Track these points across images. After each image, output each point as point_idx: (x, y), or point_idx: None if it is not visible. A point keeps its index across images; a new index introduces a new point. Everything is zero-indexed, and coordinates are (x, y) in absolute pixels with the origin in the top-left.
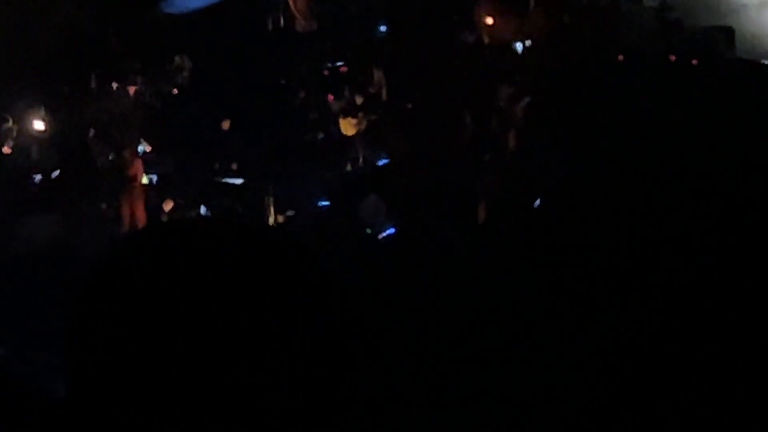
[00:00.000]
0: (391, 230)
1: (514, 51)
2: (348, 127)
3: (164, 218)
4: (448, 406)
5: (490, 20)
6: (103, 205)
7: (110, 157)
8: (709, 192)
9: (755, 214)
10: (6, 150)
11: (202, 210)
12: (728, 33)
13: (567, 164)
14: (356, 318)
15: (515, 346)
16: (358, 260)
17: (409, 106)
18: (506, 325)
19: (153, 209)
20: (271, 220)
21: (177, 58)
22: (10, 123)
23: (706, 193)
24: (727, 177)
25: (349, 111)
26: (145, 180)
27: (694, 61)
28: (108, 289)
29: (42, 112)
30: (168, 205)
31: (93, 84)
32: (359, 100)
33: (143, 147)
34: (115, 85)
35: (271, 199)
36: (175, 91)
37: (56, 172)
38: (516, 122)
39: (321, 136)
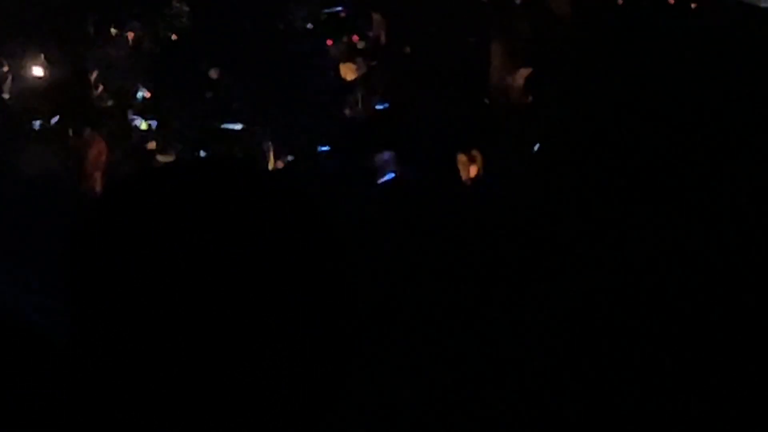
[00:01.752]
0: (391, 175)
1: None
2: (348, 71)
3: (162, 163)
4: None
5: None
6: (103, 149)
7: (109, 103)
8: (707, 137)
9: (753, 162)
10: (5, 95)
11: (202, 155)
12: None
13: (566, 108)
14: (357, 263)
15: (512, 296)
16: (359, 205)
17: (408, 50)
18: (503, 274)
19: (152, 154)
20: (270, 165)
21: (175, 4)
22: (8, 68)
23: (704, 138)
24: (726, 121)
25: (349, 56)
26: (144, 125)
27: (693, 5)
28: (107, 229)
29: (41, 58)
30: (167, 150)
31: (92, 30)
32: (359, 45)
33: (142, 93)
34: (114, 31)
35: (271, 144)
36: (174, 36)
37: (55, 118)
38: (514, 66)
39: (320, 81)
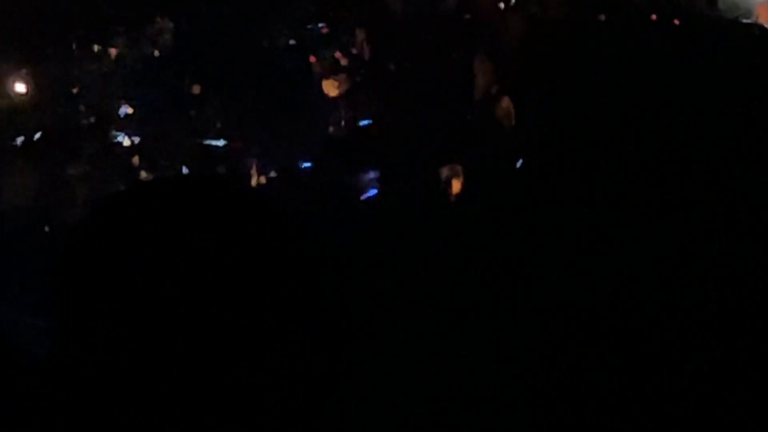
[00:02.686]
0: (374, 191)
1: (497, 10)
2: (331, 88)
3: (146, 179)
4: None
5: None
6: (87, 167)
7: (92, 120)
8: (691, 152)
9: (736, 174)
10: None
11: (185, 171)
12: None
13: (549, 124)
14: (341, 277)
15: (496, 311)
16: (342, 221)
17: (392, 67)
18: (487, 290)
19: (135, 170)
20: (253, 181)
21: (158, 20)
22: None
23: (687, 154)
24: (708, 138)
25: (332, 72)
26: (127, 142)
27: (676, 21)
28: (92, 248)
29: (23, 74)
30: (150, 167)
31: (74, 46)
32: (342, 61)
33: (125, 109)
34: (96, 47)
35: (254, 161)
36: (157, 52)
37: (38, 134)
38: (499, 82)
39: (303, 97)
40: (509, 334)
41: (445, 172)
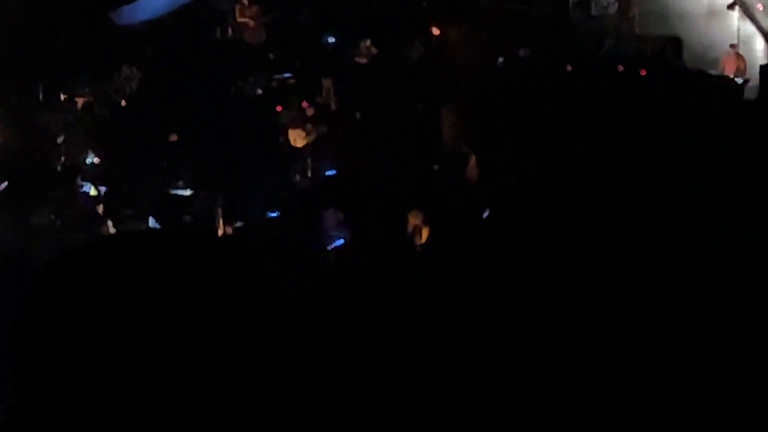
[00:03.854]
0: (340, 241)
1: (463, 61)
2: (297, 138)
3: (113, 229)
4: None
5: (437, 31)
6: (51, 215)
7: (58, 168)
8: (656, 196)
9: (702, 215)
10: None
11: (151, 221)
12: (676, 43)
13: (516, 172)
14: (304, 328)
15: (463, 357)
16: (308, 271)
17: (359, 116)
18: (452, 336)
19: (101, 220)
20: (220, 231)
21: (125, 69)
22: None
23: (653, 197)
24: (673, 182)
25: (298, 122)
26: (93, 191)
27: (643, 71)
28: (56, 299)
29: None
30: (116, 215)
31: (41, 94)
32: (308, 111)
33: (92, 158)
34: (63, 96)
35: (220, 210)
36: (124, 102)
37: (4, 183)
38: (465, 132)
39: (270, 147)
40: (471, 381)
41: (412, 221)
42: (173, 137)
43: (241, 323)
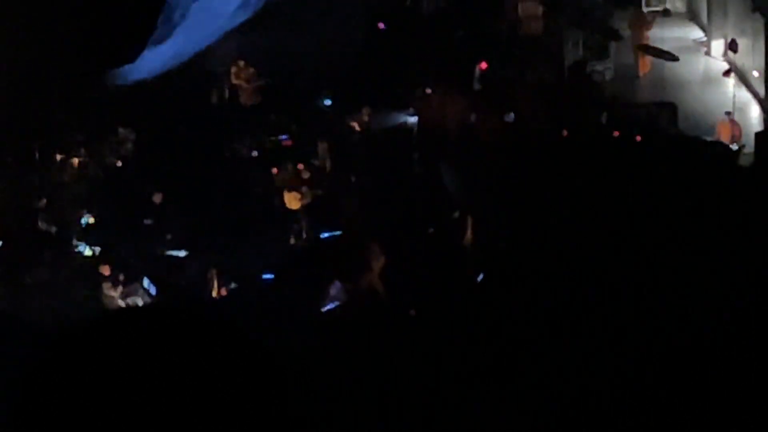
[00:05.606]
0: (334, 303)
1: (456, 128)
2: (292, 200)
3: (107, 291)
4: None
5: (432, 95)
6: (47, 276)
7: (53, 229)
8: (650, 261)
9: (696, 280)
10: None
11: (145, 282)
12: (671, 109)
13: (510, 238)
14: (299, 393)
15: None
16: (303, 333)
17: (354, 179)
18: (443, 405)
19: (96, 281)
20: (214, 293)
21: (121, 130)
22: None
23: (647, 263)
24: (668, 249)
25: (293, 184)
26: (88, 252)
27: (638, 137)
28: (52, 377)
29: None
30: (111, 276)
31: (37, 155)
32: (303, 174)
33: (87, 219)
34: (59, 157)
35: (215, 272)
36: (119, 163)
37: None
38: (461, 195)
39: (265, 209)
40: None
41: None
42: (165, 199)
43: (234, 396)
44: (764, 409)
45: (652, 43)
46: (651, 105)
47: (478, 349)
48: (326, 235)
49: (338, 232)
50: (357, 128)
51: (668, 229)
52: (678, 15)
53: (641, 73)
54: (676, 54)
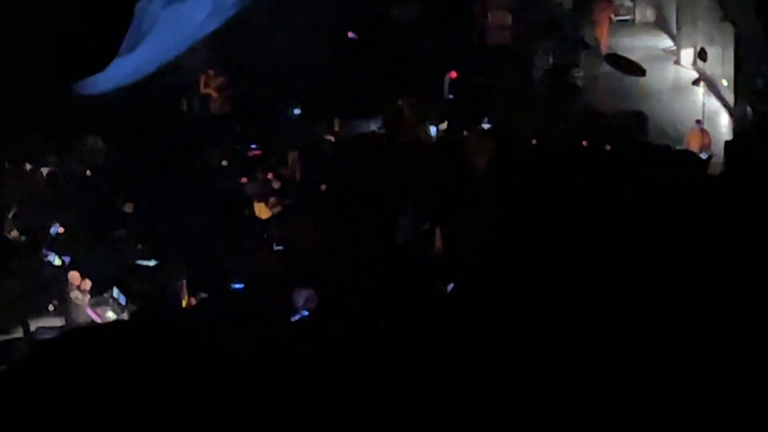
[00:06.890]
0: (305, 312)
1: (427, 137)
2: (262, 210)
3: (77, 301)
4: None
5: (401, 107)
6: (16, 286)
7: (23, 239)
8: (620, 271)
9: (665, 291)
10: None
11: (115, 292)
12: (641, 118)
13: (480, 247)
14: (269, 404)
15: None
16: (272, 342)
17: (323, 188)
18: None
19: (65, 291)
20: (183, 303)
21: (90, 140)
22: None
23: (616, 272)
24: (639, 258)
25: (263, 194)
26: (57, 261)
27: (607, 146)
28: (21, 393)
29: None
30: (80, 285)
31: (6, 164)
32: (274, 183)
33: (56, 228)
34: (28, 167)
35: (185, 282)
36: (88, 172)
37: None
38: (431, 205)
39: (235, 219)
40: None
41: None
42: (135, 209)
43: (199, 409)
44: (764, 409)
45: (621, 53)
46: (620, 114)
47: (462, 352)
48: (296, 245)
49: (308, 242)
50: (327, 138)
51: (638, 239)
52: (647, 24)
53: (603, 50)
54: (645, 63)
